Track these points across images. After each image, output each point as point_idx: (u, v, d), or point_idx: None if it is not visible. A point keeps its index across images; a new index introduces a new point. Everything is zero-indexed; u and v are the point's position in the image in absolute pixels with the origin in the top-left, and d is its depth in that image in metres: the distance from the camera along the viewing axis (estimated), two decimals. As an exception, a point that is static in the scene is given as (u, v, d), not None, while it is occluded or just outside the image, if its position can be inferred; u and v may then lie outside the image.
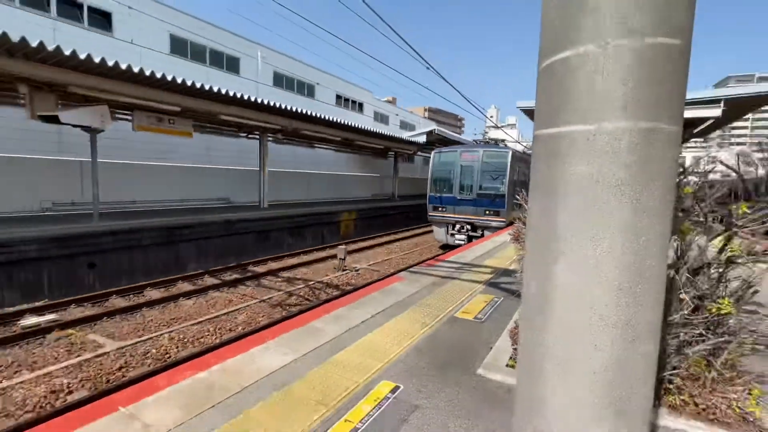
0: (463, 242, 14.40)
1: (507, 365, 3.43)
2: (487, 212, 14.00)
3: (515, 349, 3.70)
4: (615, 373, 1.19)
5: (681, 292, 2.83)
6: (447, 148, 15.76)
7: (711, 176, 3.24)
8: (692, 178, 3.12)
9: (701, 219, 2.98)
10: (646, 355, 1.21)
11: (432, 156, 15.69)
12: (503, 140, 18.31)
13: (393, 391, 2.98)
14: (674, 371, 2.85)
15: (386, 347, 3.76)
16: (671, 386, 2.86)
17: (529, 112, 18.19)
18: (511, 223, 13.99)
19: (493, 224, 13.92)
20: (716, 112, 13.30)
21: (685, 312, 2.76)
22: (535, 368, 1.32)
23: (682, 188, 2.87)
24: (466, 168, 14.66)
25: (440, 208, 15.06)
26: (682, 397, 2.79)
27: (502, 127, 39.39)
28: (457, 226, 14.79)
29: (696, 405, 2.74)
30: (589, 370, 1.20)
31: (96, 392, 4.87)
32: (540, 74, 1.33)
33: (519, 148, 24.99)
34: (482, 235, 14.03)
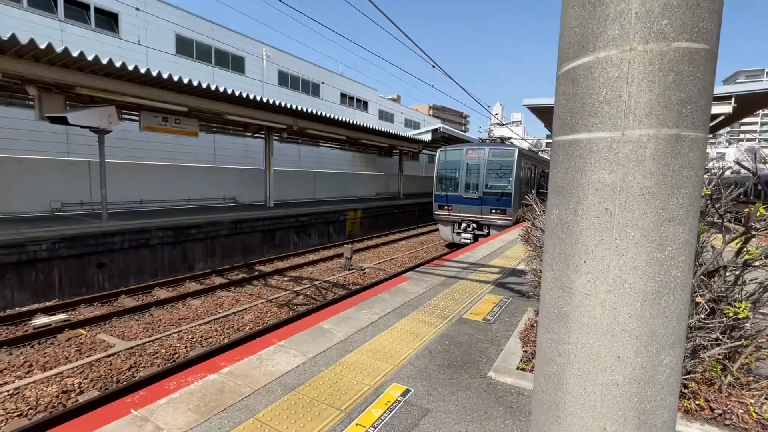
0: (469, 241, 14.34)
1: (517, 368, 3.40)
2: (493, 211, 13.88)
3: (525, 351, 3.67)
4: (639, 385, 1.16)
5: (696, 295, 2.79)
6: (452, 146, 15.63)
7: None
8: (706, 176, 3.07)
9: (717, 220, 2.93)
10: (672, 366, 1.18)
11: (437, 154, 15.64)
12: (509, 138, 18.34)
13: (404, 394, 2.97)
14: (689, 375, 2.81)
15: (395, 349, 3.75)
16: (686, 390, 2.82)
17: (536, 110, 18.01)
18: (517, 222, 13.98)
19: (500, 223, 13.79)
20: (727, 108, 13.11)
21: (702, 316, 2.71)
22: (555, 379, 1.30)
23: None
24: (471, 166, 14.55)
25: (446, 207, 15.00)
26: (697, 402, 2.75)
27: (507, 124, 39.15)
28: (463, 225, 14.70)
29: (711, 410, 2.70)
30: (612, 382, 1.18)
31: (108, 393, 4.91)
32: (559, 79, 1.31)
33: (525, 145, 24.65)
34: (488, 234, 13.94)
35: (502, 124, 34.15)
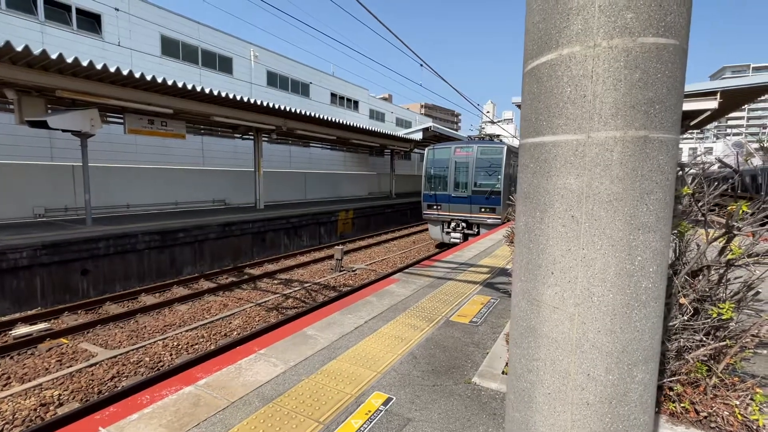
0: (458, 240, 14.25)
1: (503, 372, 3.34)
2: (483, 209, 13.76)
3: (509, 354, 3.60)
4: (611, 404, 1.09)
5: (680, 296, 2.74)
6: (441, 144, 15.33)
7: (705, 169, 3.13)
8: (691, 171, 3.02)
9: (700, 218, 2.89)
10: (645, 382, 1.12)
11: (425, 153, 15.42)
12: (499, 135, 17.80)
13: (385, 403, 2.89)
14: (674, 377, 2.77)
15: (379, 355, 3.66)
16: (671, 393, 2.77)
17: (525, 107, 18.17)
18: (507, 220, 13.74)
19: (489, 221, 13.71)
20: (713, 104, 13.19)
21: (685, 317, 2.67)
22: (525, 396, 1.23)
23: (679, 187, 2.78)
24: (460, 164, 14.37)
25: (435, 206, 14.86)
26: (682, 405, 2.70)
27: (499, 122, 39.28)
28: (453, 224, 14.57)
29: (697, 413, 2.65)
30: (582, 401, 1.11)
31: (81, 407, 4.77)
32: (525, 78, 1.23)
33: (515, 143, 24.66)
34: (478, 233, 13.88)
35: (494, 122, 34.20)
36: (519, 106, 13.41)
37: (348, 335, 4.10)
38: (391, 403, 2.88)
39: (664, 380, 2.72)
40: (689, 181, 2.88)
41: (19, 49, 7.66)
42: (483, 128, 26.62)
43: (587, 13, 1.04)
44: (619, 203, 1.05)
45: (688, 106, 13.07)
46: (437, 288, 5.86)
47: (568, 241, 1.11)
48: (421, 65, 10.60)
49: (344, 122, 17.42)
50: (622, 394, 1.10)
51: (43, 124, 9.28)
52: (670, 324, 2.64)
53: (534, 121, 1.19)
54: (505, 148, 13.87)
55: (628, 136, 1.03)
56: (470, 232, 14.25)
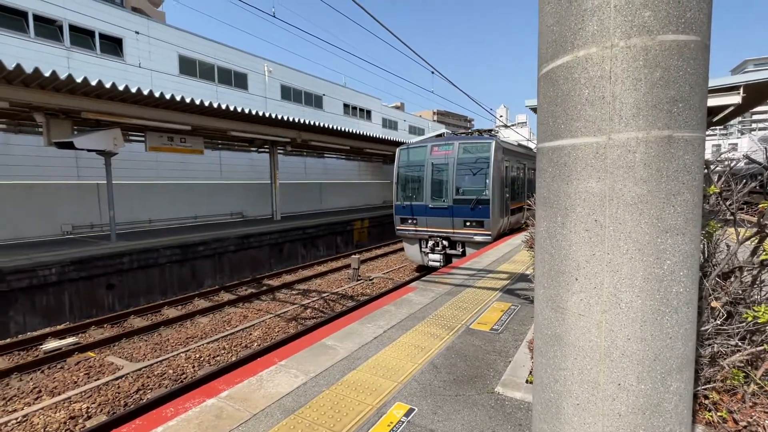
0: (438, 263, 11.53)
1: (527, 381, 3.25)
2: (468, 223, 10.90)
3: (533, 363, 3.52)
4: (645, 415, 1.05)
5: (711, 299, 2.62)
6: (415, 142, 12.64)
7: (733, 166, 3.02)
8: (717, 169, 2.91)
9: (729, 218, 2.78)
10: (680, 392, 1.07)
11: (397, 153, 12.57)
12: (490, 129, 14.15)
13: (407, 414, 2.85)
14: (709, 385, 2.64)
15: (400, 364, 3.63)
16: (707, 401, 2.64)
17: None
18: (502, 236, 11.53)
19: (477, 239, 10.80)
20: (736, 98, 12.76)
21: (718, 321, 2.55)
22: (552, 407, 1.19)
23: (705, 186, 2.68)
24: (438, 167, 11.49)
25: (410, 220, 11.99)
26: (719, 414, 2.57)
27: (513, 126, 38.95)
28: (431, 243, 11.68)
29: (735, 422, 2.52)
30: (613, 412, 1.06)
31: (108, 420, 4.86)
32: (540, 82, 1.21)
33: (531, 145, 24.02)
34: (463, 253, 11.21)
35: (507, 126, 33.95)
36: (533, 110, 13.07)
37: (367, 345, 4.08)
38: (413, 414, 2.84)
39: (698, 388, 2.60)
40: (715, 180, 2.78)
41: (47, 74, 8.03)
42: (497, 132, 26.29)
43: (603, 14, 1.02)
44: (644, 206, 1.01)
45: (710, 102, 12.69)
46: (456, 295, 5.79)
47: (592, 245, 1.07)
48: (433, 73, 10.64)
49: (357, 132, 17.57)
50: (656, 405, 1.05)
51: (69, 145, 9.66)
52: (702, 329, 2.53)
53: (551, 124, 1.17)
54: (494, 143, 10.89)
55: (651, 137, 1.00)
56: (453, 252, 11.42)
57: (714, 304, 2.58)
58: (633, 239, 1.03)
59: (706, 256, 2.85)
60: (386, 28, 6.68)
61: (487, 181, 10.72)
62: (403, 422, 2.75)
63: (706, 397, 2.63)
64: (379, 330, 4.48)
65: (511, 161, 12.19)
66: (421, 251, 12.10)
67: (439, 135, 22.29)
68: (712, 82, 12.92)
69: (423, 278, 6.86)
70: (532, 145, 24.52)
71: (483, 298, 5.66)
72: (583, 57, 1.06)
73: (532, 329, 4.31)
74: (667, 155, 1.00)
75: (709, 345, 2.65)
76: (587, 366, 1.10)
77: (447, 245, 11.50)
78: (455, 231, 11.16)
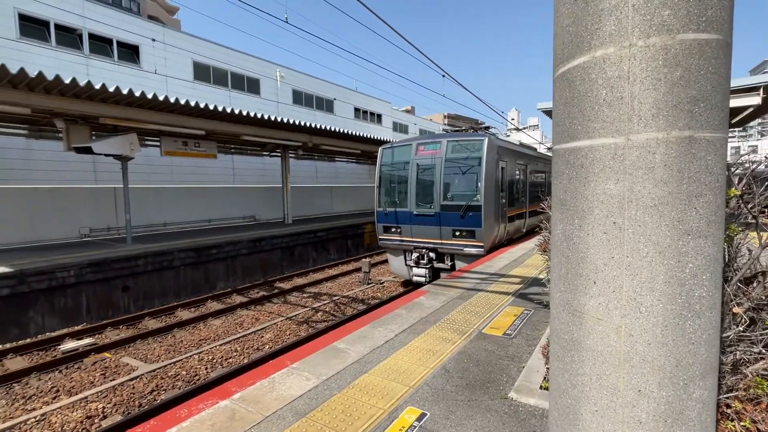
0: (423, 279, 10.15)
1: (541, 387, 3.20)
2: (457, 233, 9.53)
3: (549, 368, 3.46)
4: (666, 423, 1.02)
5: (733, 305, 2.55)
6: (400, 141, 11.32)
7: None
8: (737, 171, 2.84)
9: (751, 221, 2.70)
10: (703, 399, 1.03)
11: (379, 153, 11.21)
12: (488, 126, 12.49)
13: (419, 418, 2.82)
14: (731, 393, 2.56)
15: (411, 369, 3.61)
16: (729, 410, 2.56)
17: (551, 113, 17.69)
18: (495, 248, 10.07)
19: (467, 250, 9.43)
20: (755, 100, 12.46)
21: (740, 328, 2.47)
22: (570, 414, 1.17)
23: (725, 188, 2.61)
24: (424, 168, 10.14)
25: (393, 229, 10.63)
26: (742, 423, 2.49)
27: (525, 128, 38.64)
28: (415, 255, 10.27)
29: (760, 432, 2.43)
30: (633, 419, 1.04)
31: (123, 420, 4.93)
32: (555, 83, 1.20)
33: (542, 149, 23.43)
34: (453, 267, 9.84)
35: (519, 129, 33.69)
36: (545, 112, 12.83)
37: (378, 349, 4.07)
38: (425, 419, 2.81)
39: (720, 396, 2.52)
40: (736, 182, 2.71)
41: (67, 81, 8.26)
42: (508, 135, 26.03)
43: (620, 13, 1.01)
44: (664, 207, 0.99)
45: (729, 103, 12.40)
46: (467, 299, 5.74)
47: (610, 248, 1.05)
48: (444, 76, 10.64)
49: (368, 135, 17.64)
50: (678, 412, 1.02)
51: (88, 150, 9.91)
52: (724, 335, 2.46)
53: (568, 125, 1.16)
54: (486, 141, 9.45)
55: (672, 137, 0.98)
56: (441, 265, 10.09)
57: (736, 309, 2.50)
58: (653, 242, 1.00)
59: (727, 260, 2.77)
60: (398, 32, 6.71)
61: (479, 184, 9.29)
62: (415, 427, 2.72)
63: (728, 406, 2.55)
64: (390, 334, 4.47)
65: (509, 162, 10.90)
66: (406, 264, 10.64)
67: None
68: (731, 83, 12.62)
69: (434, 282, 6.83)
70: (541, 148, 23.90)
71: (495, 302, 5.60)
72: (601, 57, 1.05)
73: (546, 334, 4.24)
74: (688, 156, 0.98)
75: (731, 352, 2.57)
76: (606, 371, 1.08)
77: (434, 258, 10.05)
78: (443, 242, 9.77)
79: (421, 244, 10.12)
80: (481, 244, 9.25)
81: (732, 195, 2.60)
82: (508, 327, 4.62)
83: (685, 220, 0.99)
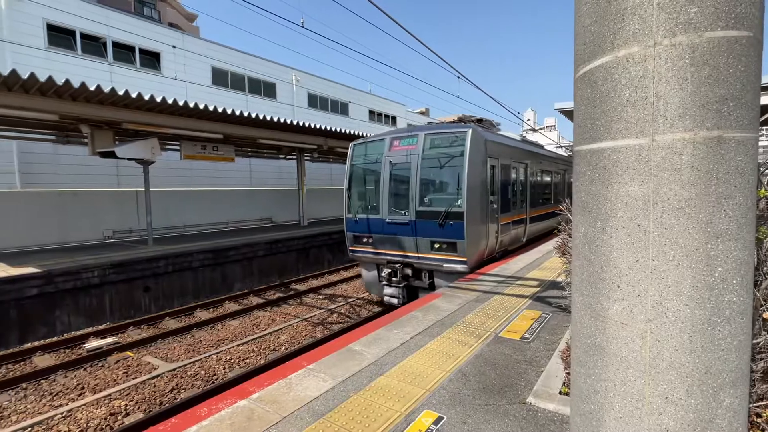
0: (396, 301, 8.50)
1: (560, 392, 3.14)
2: (436, 245, 8.01)
3: (569, 373, 3.40)
4: (695, 431, 0.99)
5: (763, 310, 2.46)
6: (373, 137, 9.59)
7: None
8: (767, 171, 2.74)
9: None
10: (734, 408, 1.00)
11: (350, 150, 9.73)
12: (480, 119, 10.23)
13: (436, 422, 2.81)
14: (761, 402, 2.46)
15: (428, 371, 3.59)
16: (759, 420, 2.46)
17: (568, 113, 17.37)
18: (485, 263, 8.47)
19: (447, 266, 7.89)
20: (785, 96, 11.98)
21: (772, 334, 2.38)
22: (593, 420, 1.14)
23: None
24: (398, 167, 8.59)
25: (365, 239, 9.14)
26: (774, 434, 2.39)
27: (541, 129, 38.10)
28: (386, 270, 8.67)
29: (793, 443, 2.33)
30: (660, 427, 1.01)
31: (145, 418, 5.05)
32: (576, 83, 1.19)
33: (560, 151, 22.86)
34: (432, 285, 8.29)
35: (535, 130, 33.25)
36: (563, 113, 12.48)
37: (394, 351, 4.07)
38: (442, 423, 2.80)
39: (750, 405, 2.43)
40: (765, 183, 2.61)
41: (92, 88, 8.55)
42: (524, 136, 25.67)
43: (644, 12, 0.99)
44: (692, 210, 0.97)
45: (756, 100, 11.96)
46: (484, 302, 5.68)
47: (635, 251, 1.03)
48: (459, 77, 10.60)
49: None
50: (707, 421, 0.99)
51: (111, 154, 10.22)
52: (754, 341, 2.37)
53: (590, 127, 1.14)
54: (470, 133, 7.79)
55: (699, 137, 0.95)
56: (419, 284, 8.49)
57: (766, 315, 2.41)
58: (680, 245, 0.98)
59: (756, 264, 2.68)
60: (412, 34, 6.72)
61: (461, 186, 7.64)
62: (432, 430, 2.71)
63: (758, 415, 2.46)
64: (406, 336, 4.46)
65: (505, 160, 9.26)
66: (379, 281, 9.00)
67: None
68: (762, 81, 12.17)
69: (450, 285, 6.78)
70: (561, 151, 23.35)
71: (512, 305, 5.53)
72: (624, 57, 1.03)
73: (564, 339, 4.17)
74: (717, 157, 0.95)
75: (761, 359, 2.48)
76: (631, 377, 1.06)
77: (410, 274, 8.51)
78: (420, 255, 8.25)
79: (396, 258, 8.58)
80: (464, 259, 7.67)
81: (762, 196, 2.51)
82: (526, 331, 4.56)
83: (713, 222, 0.96)
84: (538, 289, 6.36)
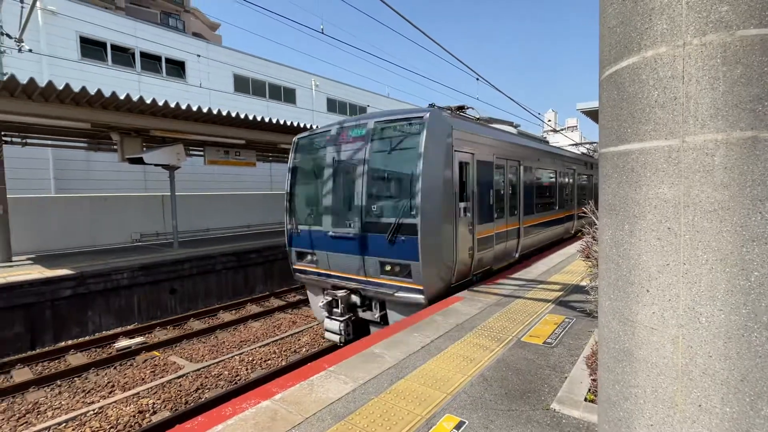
0: (339, 338, 6.59)
1: (585, 399, 3.07)
2: (387, 267, 6.18)
3: (594, 380, 3.31)
4: (730, 441, 0.96)
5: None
6: (321, 127, 7.75)
7: None
8: None
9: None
10: (772, 418, 0.96)
11: (293, 143, 7.94)
12: (464, 105, 7.95)
13: (458, 426, 2.79)
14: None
15: (448, 375, 3.57)
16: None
17: (591, 114, 16.95)
18: (455, 290, 6.45)
19: (399, 296, 6.07)
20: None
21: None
22: (622, 427, 1.12)
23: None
24: (344, 166, 6.84)
25: (309, 256, 7.37)
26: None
27: (562, 130, 37.36)
28: (327, 298, 6.82)
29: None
30: (693, 435, 0.98)
31: (172, 416, 5.19)
32: (602, 85, 1.17)
33: (581, 150, 21.29)
34: (383, 320, 6.49)
35: (557, 131, 32.62)
36: (585, 113, 12.04)
37: (414, 354, 4.06)
38: (463, 428, 2.77)
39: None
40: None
41: (122, 97, 8.90)
42: (545, 137, 25.11)
43: (673, 12, 0.98)
44: (725, 212, 0.94)
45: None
46: (505, 306, 5.61)
47: (665, 255, 1.01)
48: (478, 79, 10.54)
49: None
50: (744, 431, 0.96)
51: (139, 161, 10.61)
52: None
53: (616, 128, 1.12)
54: (428, 119, 5.99)
55: (733, 138, 0.93)
56: (368, 316, 6.68)
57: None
58: (713, 248, 0.95)
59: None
60: (430, 38, 6.73)
61: (415, 190, 5.80)
62: (453, 435, 2.69)
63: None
64: (426, 339, 4.44)
65: (483, 155, 7.21)
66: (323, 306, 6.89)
67: None
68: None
69: (470, 288, 6.72)
70: (574, 149, 21.55)
71: (534, 309, 5.44)
72: (652, 57, 1.02)
73: (590, 344, 4.07)
74: (752, 157, 0.93)
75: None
76: (662, 384, 1.03)
77: (359, 303, 6.69)
78: (369, 280, 6.40)
79: (342, 282, 6.79)
80: (419, 287, 5.84)
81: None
82: (549, 335, 4.47)
83: (749, 225, 0.93)
84: (560, 293, 6.23)
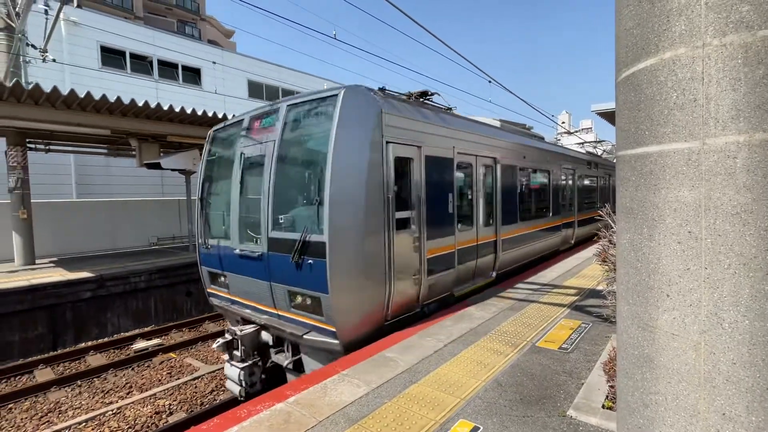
0: (239, 390, 5.09)
1: (603, 406, 3.01)
2: (298, 300, 4.71)
3: (612, 386, 3.24)
4: (756, 451, 0.93)
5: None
6: (238, 116, 6.27)
7: None
8: None
9: None
10: (801, 428, 0.93)
11: (207, 139, 6.58)
12: (427, 91, 6.27)
13: (472, 432, 2.76)
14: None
15: (462, 380, 3.54)
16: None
17: (606, 115, 16.66)
18: (367, 338, 4.63)
19: (310, 338, 4.53)
20: None
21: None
22: (642, 435, 1.10)
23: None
24: (253, 164, 5.40)
25: (221, 277, 5.97)
26: None
27: (576, 131, 36.87)
28: (226, 337, 5.45)
29: None
30: (717, 444, 0.96)
31: (188, 417, 5.26)
32: (619, 87, 1.16)
33: (579, 149, 17.72)
34: (299, 367, 4.94)
35: (571, 133, 32.18)
36: (600, 114, 11.77)
37: (428, 358, 4.04)
38: (478, 433, 2.74)
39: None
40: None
41: (140, 104, 9.14)
42: (559, 139, 24.79)
43: (692, 12, 0.96)
44: (748, 215, 0.92)
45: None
46: (519, 311, 5.54)
47: (685, 259, 0.99)
48: (490, 82, 10.49)
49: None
50: (771, 441, 0.93)
51: (157, 166, 10.85)
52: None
53: (633, 131, 1.11)
54: (342, 97, 4.42)
55: (755, 140, 0.91)
56: (280, 360, 5.06)
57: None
58: (736, 252, 0.93)
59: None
60: (442, 41, 6.74)
61: (323, 194, 4.29)
62: (468, 440, 2.67)
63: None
64: (439, 344, 4.42)
65: (434, 149, 5.63)
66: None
67: None
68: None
69: (483, 291, 6.66)
70: (592, 150, 19.79)
71: (549, 314, 5.36)
72: (670, 59, 1.01)
73: (607, 350, 3.99)
74: (775, 159, 0.91)
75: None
76: (683, 391, 1.01)
77: (271, 343, 5.16)
78: (279, 313, 5.00)
79: (253, 314, 5.37)
80: (331, 328, 4.39)
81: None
82: (564, 341, 4.40)
83: (773, 229, 0.91)
84: (576, 297, 6.13)
